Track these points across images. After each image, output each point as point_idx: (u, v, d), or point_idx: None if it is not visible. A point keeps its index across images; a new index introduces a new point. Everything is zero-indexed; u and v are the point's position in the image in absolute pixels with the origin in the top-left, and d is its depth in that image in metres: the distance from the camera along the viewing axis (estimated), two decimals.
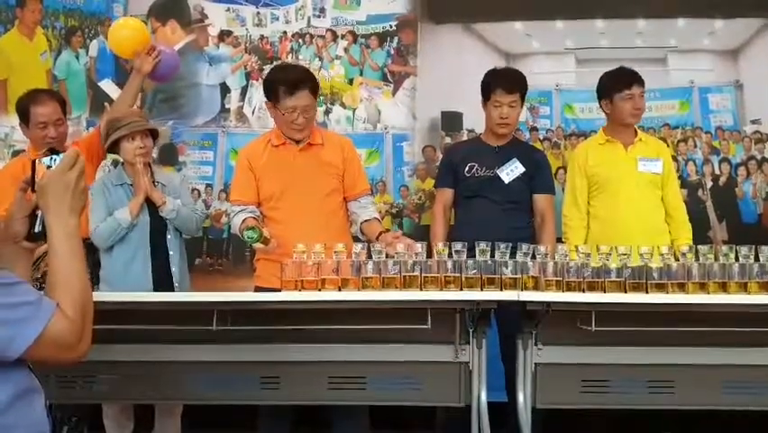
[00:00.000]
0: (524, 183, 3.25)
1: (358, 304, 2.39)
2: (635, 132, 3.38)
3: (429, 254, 2.47)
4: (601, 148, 3.35)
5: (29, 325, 1.25)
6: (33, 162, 1.42)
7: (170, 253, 3.02)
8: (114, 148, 3.01)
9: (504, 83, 3.22)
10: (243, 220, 2.84)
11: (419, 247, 2.43)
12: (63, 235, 1.34)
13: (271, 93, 2.91)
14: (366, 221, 2.97)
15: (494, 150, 3.30)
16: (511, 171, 3.25)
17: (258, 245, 2.73)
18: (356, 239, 2.96)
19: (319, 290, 2.39)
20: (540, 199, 3.29)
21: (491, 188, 3.23)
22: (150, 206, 2.99)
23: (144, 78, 3.37)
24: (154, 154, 4.04)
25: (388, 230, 3.23)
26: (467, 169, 3.28)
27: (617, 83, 3.31)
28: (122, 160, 3.08)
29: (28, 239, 1.44)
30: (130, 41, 3.33)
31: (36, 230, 1.42)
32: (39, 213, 1.41)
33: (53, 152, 1.41)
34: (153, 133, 3.06)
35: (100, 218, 2.94)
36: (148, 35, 3.47)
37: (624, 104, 3.30)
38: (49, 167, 1.38)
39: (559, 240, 3.31)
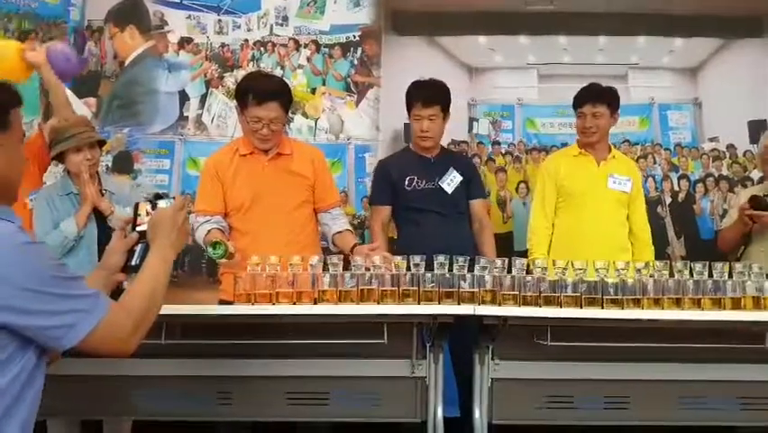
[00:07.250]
0: (462, 191, 3.27)
1: (312, 318, 2.34)
2: (609, 148, 3.39)
3: None
4: (574, 160, 3.36)
5: (88, 316, 1.38)
6: (136, 205, 1.67)
7: None
8: (59, 157, 2.91)
9: (422, 96, 3.21)
10: (208, 232, 2.76)
11: (398, 259, 2.39)
12: (158, 259, 1.53)
13: (241, 99, 2.85)
14: (338, 233, 2.92)
15: (430, 161, 3.29)
16: (451, 181, 3.26)
17: (222, 261, 2.65)
18: (327, 251, 2.91)
19: (273, 303, 2.33)
20: (476, 204, 3.32)
21: (436, 200, 3.23)
22: (98, 215, 2.90)
23: (46, 71, 3.08)
24: (108, 163, 3.98)
25: (362, 242, 3.18)
26: (406, 182, 3.25)
27: (574, 101, 3.36)
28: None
29: (124, 271, 1.64)
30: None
31: (133, 263, 1.61)
32: (137, 249, 1.62)
33: (158, 196, 1.67)
34: (100, 143, 2.98)
35: (45, 231, 2.82)
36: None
37: (577, 121, 3.36)
38: (154, 206, 1.65)
39: (525, 252, 3.31)
